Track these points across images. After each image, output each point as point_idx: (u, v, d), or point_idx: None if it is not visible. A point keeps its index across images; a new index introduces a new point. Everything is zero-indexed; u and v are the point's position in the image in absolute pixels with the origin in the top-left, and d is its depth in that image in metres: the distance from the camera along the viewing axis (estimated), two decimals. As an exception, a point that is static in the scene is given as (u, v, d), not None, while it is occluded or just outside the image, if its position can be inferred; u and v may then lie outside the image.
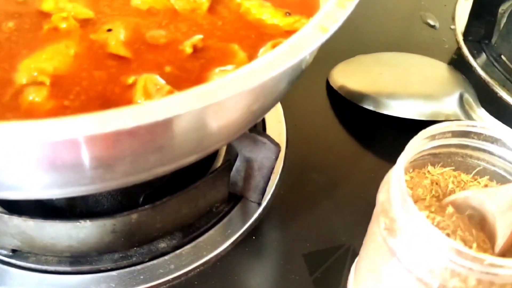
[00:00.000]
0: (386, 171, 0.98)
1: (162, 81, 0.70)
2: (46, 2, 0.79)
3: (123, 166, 0.58)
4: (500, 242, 0.61)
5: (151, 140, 0.54)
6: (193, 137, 0.59)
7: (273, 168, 0.87)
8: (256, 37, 0.79)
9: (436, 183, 0.72)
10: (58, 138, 0.47)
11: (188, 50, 0.76)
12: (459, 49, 1.26)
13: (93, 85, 0.70)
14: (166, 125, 0.52)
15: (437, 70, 1.13)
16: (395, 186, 0.62)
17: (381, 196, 0.68)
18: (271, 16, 0.82)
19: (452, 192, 0.72)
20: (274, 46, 0.76)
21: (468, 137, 0.70)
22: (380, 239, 0.66)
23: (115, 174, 0.59)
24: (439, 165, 0.74)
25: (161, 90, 0.69)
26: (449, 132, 0.69)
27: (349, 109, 1.09)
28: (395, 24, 1.32)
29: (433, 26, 1.32)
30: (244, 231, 0.90)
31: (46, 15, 0.78)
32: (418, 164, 0.74)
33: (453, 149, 0.72)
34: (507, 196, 0.61)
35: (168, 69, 0.73)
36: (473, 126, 0.69)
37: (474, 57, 1.23)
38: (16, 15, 0.78)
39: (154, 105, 0.50)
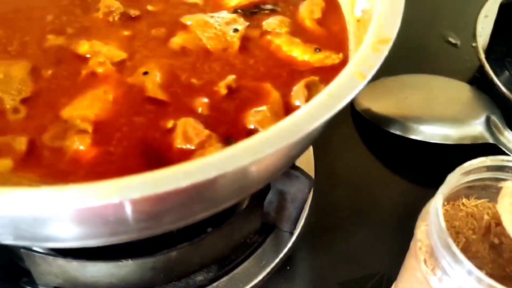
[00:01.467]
0: (416, 195, 0.99)
1: (200, 125, 0.72)
2: (82, 46, 0.81)
3: (168, 217, 0.60)
4: None
5: (198, 193, 0.56)
6: (236, 185, 0.61)
7: (306, 200, 0.88)
8: (287, 75, 0.81)
9: (471, 215, 0.74)
10: (112, 200, 0.49)
11: (223, 91, 0.77)
12: (481, 67, 1.26)
13: (133, 131, 0.72)
14: (214, 180, 0.53)
15: (461, 92, 1.14)
16: (435, 226, 0.63)
17: (419, 233, 0.69)
18: (302, 53, 0.83)
19: (488, 224, 0.73)
20: (307, 85, 0.78)
21: (503, 171, 0.71)
22: (420, 275, 0.68)
23: (160, 224, 0.61)
24: (473, 197, 0.75)
25: (200, 134, 0.71)
26: (484, 167, 0.70)
27: (375, 133, 1.11)
28: (416, 43, 1.33)
29: (454, 44, 1.33)
30: (278, 261, 0.91)
31: (83, 60, 0.80)
32: (452, 197, 0.75)
33: (487, 182, 0.73)
34: None
35: (205, 110, 0.75)
36: (508, 161, 0.70)
37: (497, 75, 1.23)
38: (55, 61, 0.80)
39: (203, 163, 0.52)
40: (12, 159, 0.68)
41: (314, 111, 0.57)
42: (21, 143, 0.69)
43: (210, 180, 0.51)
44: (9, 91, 0.74)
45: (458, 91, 1.14)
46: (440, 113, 1.08)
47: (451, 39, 1.34)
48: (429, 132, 1.06)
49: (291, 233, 0.94)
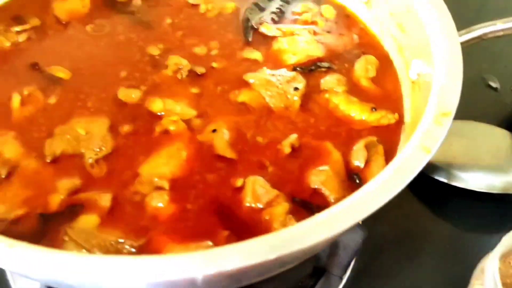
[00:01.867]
0: (463, 241, 1.03)
1: (268, 184, 0.77)
2: (156, 104, 0.87)
3: (246, 278, 0.65)
4: None
5: (279, 260, 0.61)
6: (306, 251, 0.66)
7: (358, 248, 0.93)
8: (346, 134, 0.86)
9: (522, 273, 0.78)
10: (208, 271, 0.54)
11: (287, 149, 0.83)
12: (522, 112, 1.30)
13: (207, 188, 0.78)
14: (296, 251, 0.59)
15: (504, 140, 1.17)
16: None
17: (475, 293, 0.73)
18: (359, 112, 0.88)
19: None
20: (366, 146, 0.83)
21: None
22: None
23: (238, 283, 0.66)
24: (525, 254, 0.79)
25: (269, 194, 0.76)
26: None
27: (421, 179, 1.14)
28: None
29: (495, 89, 1.37)
30: (328, 304, 0.96)
31: (156, 117, 0.86)
32: (503, 254, 0.79)
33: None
34: None
35: (270, 169, 0.81)
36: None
37: (538, 121, 1.26)
38: (130, 118, 0.86)
39: (286, 235, 0.57)
40: (98, 215, 0.74)
41: (385, 185, 0.62)
42: (106, 200, 0.75)
43: (293, 252, 0.56)
44: (91, 148, 0.81)
45: (501, 139, 1.18)
46: (484, 161, 1.12)
47: (491, 83, 1.37)
48: (474, 181, 1.09)
49: (341, 278, 0.99)
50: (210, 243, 0.71)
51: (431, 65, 0.83)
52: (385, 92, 0.93)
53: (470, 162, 1.13)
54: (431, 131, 0.68)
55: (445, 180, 1.11)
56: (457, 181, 1.10)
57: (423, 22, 0.87)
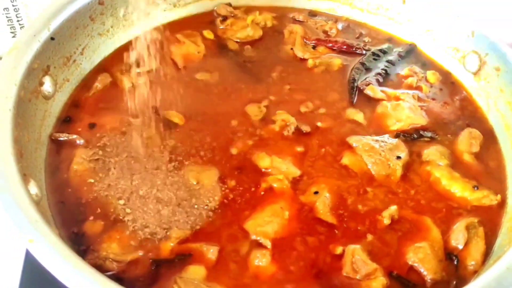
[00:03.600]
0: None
1: (367, 256, 0.80)
2: (263, 160, 0.91)
3: None
4: None
5: None
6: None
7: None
8: (446, 211, 0.87)
9: None
10: None
11: (386, 221, 0.85)
12: None
13: (308, 251, 0.81)
14: None
15: None
16: None
17: None
18: (461, 190, 0.89)
19: None
20: (467, 226, 0.83)
21: None
22: None
23: None
24: None
25: (367, 266, 0.79)
26: None
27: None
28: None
29: None
30: None
31: (261, 173, 0.90)
32: None
33: None
34: None
35: (369, 238, 0.83)
36: None
37: None
38: (237, 171, 0.91)
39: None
40: (205, 267, 0.79)
41: (495, 284, 0.63)
42: (213, 253, 0.80)
43: None
44: (202, 199, 0.86)
45: None
46: None
47: None
48: None
49: None
50: (308, 309, 0.74)
51: (542, 153, 0.83)
52: (488, 169, 0.93)
53: None
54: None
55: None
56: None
57: (536, 108, 0.87)
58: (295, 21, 1.20)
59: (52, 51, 0.95)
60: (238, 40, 1.15)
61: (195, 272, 0.78)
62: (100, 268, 0.77)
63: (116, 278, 0.77)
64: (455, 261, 0.81)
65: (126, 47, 1.12)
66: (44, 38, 0.93)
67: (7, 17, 1.27)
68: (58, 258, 0.66)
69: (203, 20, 1.18)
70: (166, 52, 1.10)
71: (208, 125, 0.98)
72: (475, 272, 0.79)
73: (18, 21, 1.28)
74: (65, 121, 0.97)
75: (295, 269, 0.79)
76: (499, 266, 0.66)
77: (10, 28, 1.26)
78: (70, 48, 1.00)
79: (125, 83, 1.03)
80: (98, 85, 1.03)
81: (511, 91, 0.95)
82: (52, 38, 0.95)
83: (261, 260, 0.80)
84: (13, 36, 1.26)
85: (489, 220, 0.86)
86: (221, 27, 1.17)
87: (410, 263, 0.80)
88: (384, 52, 1.12)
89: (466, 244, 0.82)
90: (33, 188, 0.80)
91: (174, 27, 1.16)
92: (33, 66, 0.90)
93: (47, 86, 0.94)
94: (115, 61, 1.08)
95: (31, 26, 0.93)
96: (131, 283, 0.77)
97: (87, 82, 1.04)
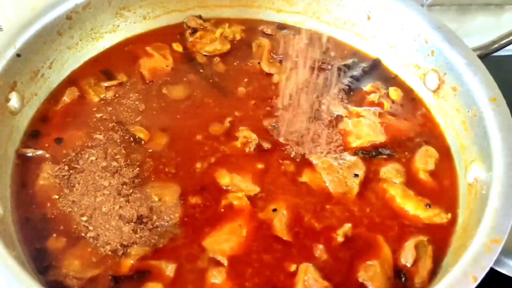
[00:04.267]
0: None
1: (319, 274, 0.83)
2: (223, 178, 0.94)
3: None
4: None
5: None
6: None
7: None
8: (399, 229, 0.90)
9: None
10: None
11: (340, 239, 0.88)
12: None
13: (263, 269, 0.84)
14: None
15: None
16: None
17: None
18: (414, 208, 0.92)
19: None
20: (416, 245, 0.87)
21: None
22: None
23: None
24: None
25: (318, 284, 0.82)
26: None
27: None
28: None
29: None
30: None
31: (222, 191, 0.93)
32: None
33: None
34: None
35: (324, 257, 0.86)
36: None
37: None
38: (199, 188, 0.93)
39: None
40: (163, 284, 0.82)
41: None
42: (171, 270, 0.83)
43: None
44: (162, 216, 0.89)
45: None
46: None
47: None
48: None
49: None
50: (260, 326, 0.78)
51: (489, 176, 0.86)
52: (441, 188, 0.97)
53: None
54: (480, 258, 0.72)
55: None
56: (503, 267, 1.12)
57: (487, 130, 0.90)
58: (263, 34, 1.22)
59: (19, 67, 0.97)
60: (207, 54, 1.17)
61: (153, 288, 0.81)
62: (61, 285, 0.80)
63: (75, 295, 0.80)
64: (403, 279, 0.85)
65: (95, 60, 1.14)
66: (9, 55, 0.94)
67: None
68: (14, 281, 0.69)
69: (173, 32, 1.20)
70: (135, 65, 1.13)
71: (173, 140, 1.00)
72: (421, 290, 0.83)
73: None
74: (32, 135, 0.99)
75: (250, 286, 0.83)
76: (436, 291, 0.70)
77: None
78: (37, 63, 1.02)
79: (93, 97, 1.05)
80: (65, 98, 1.05)
81: (465, 112, 0.98)
82: (18, 55, 0.96)
83: (216, 278, 0.83)
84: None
85: (439, 238, 0.89)
86: (191, 39, 1.19)
87: (360, 280, 0.84)
88: (349, 67, 1.15)
89: (415, 262, 0.86)
90: (-4, 207, 0.82)
91: (143, 40, 1.17)
92: (-1, 84, 0.92)
93: (14, 101, 0.96)
94: (84, 74, 1.10)
95: (-5, 44, 0.95)
96: (90, 300, 0.80)
97: (55, 95, 1.06)
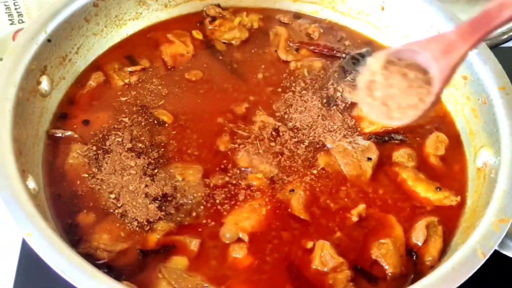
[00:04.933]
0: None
1: (334, 251, 0.88)
2: (243, 160, 0.99)
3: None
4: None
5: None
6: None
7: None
8: (410, 210, 0.95)
9: None
10: None
11: (355, 218, 0.93)
12: None
13: (281, 245, 0.89)
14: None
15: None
16: None
17: None
18: (424, 190, 0.97)
19: None
20: (427, 225, 0.92)
21: None
22: None
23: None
24: None
25: (334, 260, 0.87)
26: None
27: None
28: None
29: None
30: None
31: (242, 172, 0.98)
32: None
33: None
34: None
35: (338, 234, 0.91)
36: None
37: None
38: (219, 169, 0.98)
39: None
40: (188, 258, 0.87)
41: (440, 283, 0.71)
42: (195, 245, 0.88)
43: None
44: (186, 195, 0.94)
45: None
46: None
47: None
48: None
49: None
50: (279, 297, 0.83)
51: (498, 160, 0.91)
52: (451, 172, 1.01)
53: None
54: (488, 236, 0.77)
55: (496, 248, 1.16)
56: (508, 250, 1.16)
57: (496, 117, 0.95)
58: (280, 23, 1.26)
59: (49, 52, 1.02)
60: (226, 41, 1.21)
61: (178, 262, 0.86)
62: (92, 257, 0.85)
63: (106, 266, 0.85)
64: (414, 256, 0.89)
65: (119, 46, 1.19)
66: (41, 40, 0.99)
67: (5, 5, 1.33)
68: (53, 251, 0.74)
69: (193, 20, 1.24)
70: (156, 51, 1.17)
71: (194, 123, 1.05)
72: (432, 267, 0.87)
73: (15, 8, 1.34)
74: (61, 117, 1.04)
75: (270, 261, 0.88)
76: (446, 266, 0.74)
77: (8, 16, 1.32)
78: (66, 48, 1.07)
79: (117, 81, 1.10)
80: (91, 83, 1.09)
81: (475, 99, 1.02)
82: (49, 40, 1.01)
83: (238, 253, 0.88)
84: (11, 23, 1.32)
85: (448, 220, 0.94)
86: (210, 27, 1.23)
87: (373, 257, 0.89)
88: (363, 56, 1.18)
89: (425, 242, 0.91)
90: (31, 183, 0.87)
91: (165, 27, 1.22)
92: (31, 67, 0.96)
93: (44, 85, 1.01)
94: (108, 59, 1.15)
95: (28, 29, 0.99)
96: (120, 271, 0.85)
97: (81, 80, 1.10)
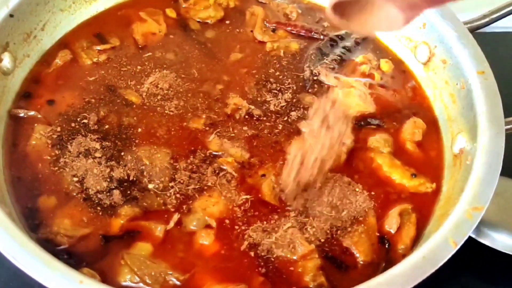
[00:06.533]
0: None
1: (304, 239, 0.85)
2: (214, 143, 0.95)
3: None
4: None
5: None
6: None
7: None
8: (384, 196, 0.92)
9: None
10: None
11: (327, 205, 0.90)
12: None
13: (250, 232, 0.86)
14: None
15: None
16: None
17: None
18: (400, 177, 0.94)
19: None
20: (401, 213, 0.89)
21: None
22: None
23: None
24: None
25: (303, 247, 0.84)
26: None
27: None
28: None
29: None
30: None
31: (212, 156, 0.94)
32: None
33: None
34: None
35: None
36: None
37: None
38: (188, 153, 0.94)
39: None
40: (152, 244, 0.83)
41: (410, 272, 0.69)
42: (160, 231, 0.84)
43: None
44: (153, 179, 0.90)
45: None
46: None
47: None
48: (502, 241, 1.13)
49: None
50: (246, 286, 0.80)
51: (474, 147, 0.88)
52: (427, 158, 0.99)
53: (501, 222, 1.16)
54: (461, 224, 0.75)
55: (473, 235, 1.14)
56: (485, 238, 1.14)
57: (474, 103, 0.92)
58: (257, 2, 1.22)
59: (11, 28, 0.97)
60: (200, 20, 1.17)
61: (142, 248, 0.83)
62: (52, 242, 0.82)
63: (66, 252, 0.81)
64: (387, 244, 0.87)
65: (88, 23, 1.14)
66: (2, 15, 0.95)
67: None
68: (6, 236, 0.70)
69: (167, -2, 1.20)
70: (128, 29, 1.13)
71: (164, 104, 1.01)
72: (403, 256, 0.85)
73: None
74: (24, 96, 1.00)
75: (237, 248, 0.85)
76: (417, 255, 0.72)
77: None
78: (30, 24, 1.02)
79: (85, 60, 1.06)
80: (58, 61, 1.05)
81: (454, 84, 1.00)
82: (11, 15, 0.96)
83: (205, 239, 0.85)
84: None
85: (423, 207, 0.92)
86: (184, 6, 1.18)
87: (344, 245, 0.86)
88: (341, 38, 1.15)
89: (399, 229, 0.88)
90: (-11, 165, 0.83)
91: (137, 4, 1.17)
92: (-9, 44, 0.92)
93: (6, 62, 0.96)
94: (76, 37, 1.10)
95: (-12, 3, 0.94)
96: (80, 257, 0.81)
97: (47, 58, 1.06)
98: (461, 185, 0.86)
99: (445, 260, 0.71)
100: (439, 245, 0.73)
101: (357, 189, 0.91)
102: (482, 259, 1.08)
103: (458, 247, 0.73)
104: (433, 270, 0.70)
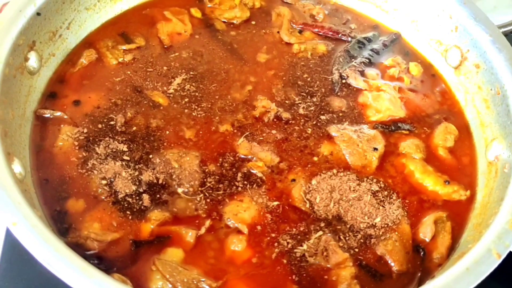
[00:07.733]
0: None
1: (338, 247, 0.83)
2: (243, 147, 0.94)
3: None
4: None
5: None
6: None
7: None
8: (417, 204, 0.91)
9: None
10: None
11: (361, 214, 0.88)
12: None
13: (282, 239, 0.84)
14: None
15: None
16: None
17: None
18: (433, 184, 0.92)
19: None
20: (435, 221, 0.87)
21: None
22: None
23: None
24: None
25: (337, 255, 0.82)
26: None
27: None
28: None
29: None
30: None
31: (241, 159, 0.93)
32: None
33: None
34: None
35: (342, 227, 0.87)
36: None
37: None
38: (217, 154, 0.93)
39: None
40: (183, 250, 0.82)
41: (453, 284, 0.67)
42: (191, 236, 0.83)
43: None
44: (183, 182, 0.88)
45: None
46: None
47: None
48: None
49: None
50: (280, 295, 0.78)
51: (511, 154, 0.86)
52: (460, 164, 0.97)
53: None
54: (503, 235, 0.73)
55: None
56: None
57: (510, 110, 0.90)
58: (283, 3, 1.20)
59: (38, 26, 0.95)
60: (225, 20, 1.15)
61: (173, 254, 0.81)
62: (81, 247, 0.80)
63: (96, 257, 0.80)
64: (422, 253, 0.85)
65: (112, 22, 1.12)
66: (29, 13, 0.93)
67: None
68: (40, 242, 0.69)
69: (192, -3, 1.18)
70: (153, 29, 1.11)
71: (192, 106, 0.99)
72: (439, 265, 0.83)
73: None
74: (50, 96, 0.98)
75: (269, 255, 0.83)
76: (459, 266, 0.70)
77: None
78: (56, 23, 1.00)
79: (111, 60, 1.04)
80: (83, 61, 1.03)
81: (488, 89, 0.98)
82: (38, 14, 0.94)
83: (237, 245, 0.83)
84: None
85: (457, 215, 0.90)
86: (209, 5, 1.16)
87: (379, 253, 0.84)
88: (369, 40, 1.13)
89: (433, 238, 0.86)
90: (17, 167, 0.81)
91: (161, 3, 1.15)
92: (18, 42, 0.90)
93: (33, 61, 0.94)
94: (101, 36, 1.08)
95: (16, 1, 0.92)
96: (111, 262, 0.80)
97: (72, 57, 1.04)
98: (499, 194, 0.85)
99: (489, 272, 0.70)
100: (482, 256, 0.71)
101: (389, 196, 0.90)
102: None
103: (502, 259, 0.71)
104: (477, 283, 0.69)
